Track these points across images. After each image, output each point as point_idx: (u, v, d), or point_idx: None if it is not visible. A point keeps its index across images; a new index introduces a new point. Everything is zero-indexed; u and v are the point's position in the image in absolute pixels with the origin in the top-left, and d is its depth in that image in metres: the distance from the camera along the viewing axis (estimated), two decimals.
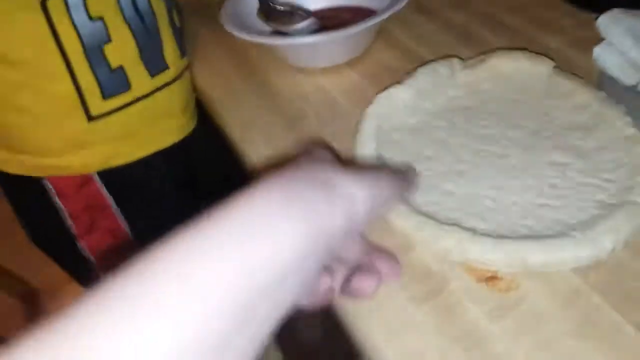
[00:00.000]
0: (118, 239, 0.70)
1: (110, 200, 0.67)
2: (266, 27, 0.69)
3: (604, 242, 0.40)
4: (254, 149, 0.58)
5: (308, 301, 0.34)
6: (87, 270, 0.72)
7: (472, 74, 0.60)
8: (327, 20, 0.69)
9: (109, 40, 0.58)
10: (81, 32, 0.56)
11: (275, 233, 0.26)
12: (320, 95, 0.63)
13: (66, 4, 0.54)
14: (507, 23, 0.69)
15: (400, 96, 0.57)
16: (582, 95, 0.54)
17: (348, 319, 0.40)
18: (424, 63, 0.60)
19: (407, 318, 0.39)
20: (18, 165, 0.64)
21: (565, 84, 0.55)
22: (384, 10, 0.63)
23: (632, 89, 0.51)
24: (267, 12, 0.67)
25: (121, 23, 0.59)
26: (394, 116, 0.56)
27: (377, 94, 0.57)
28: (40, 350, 0.21)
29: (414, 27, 0.72)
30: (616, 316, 0.37)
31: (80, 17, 0.55)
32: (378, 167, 0.49)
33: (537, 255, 0.40)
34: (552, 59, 0.59)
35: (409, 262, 0.42)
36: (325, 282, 0.34)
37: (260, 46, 0.71)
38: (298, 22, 0.65)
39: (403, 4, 0.64)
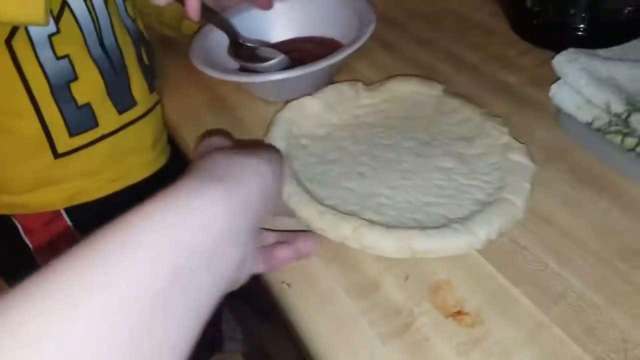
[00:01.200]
0: None
1: (77, 236, 0.66)
2: (235, 63, 0.71)
3: (478, 232, 0.46)
4: None
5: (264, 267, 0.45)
6: None
7: (373, 96, 0.65)
8: (292, 52, 0.71)
9: (75, 78, 0.58)
10: (47, 70, 0.55)
11: (202, 207, 0.30)
12: None
13: (32, 42, 0.54)
14: (467, 60, 0.72)
15: (310, 105, 0.62)
16: (466, 111, 0.61)
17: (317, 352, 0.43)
18: None
19: (377, 355, 0.41)
20: None
21: (452, 102, 0.62)
22: (348, 43, 0.65)
23: (588, 125, 0.54)
24: (237, 49, 0.68)
25: (88, 61, 0.59)
26: (303, 123, 0.61)
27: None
28: None
29: (377, 61, 0.75)
30: (577, 349, 0.40)
31: (46, 55, 0.55)
32: (266, 147, 0.53)
33: (422, 242, 0.45)
34: (510, 94, 0.64)
35: (376, 299, 0.45)
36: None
37: (230, 84, 0.72)
38: (268, 59, 0.67)
39: (367, 36, 0.66)
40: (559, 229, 0.48)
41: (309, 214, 0.49)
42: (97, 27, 0.59)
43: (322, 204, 0.49)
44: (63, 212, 0.64)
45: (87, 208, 0.65)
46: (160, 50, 0.79)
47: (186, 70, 0.74)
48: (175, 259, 0.27)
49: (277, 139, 0.57)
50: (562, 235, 0.48)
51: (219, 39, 0.71)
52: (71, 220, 0.65)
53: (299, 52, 0.73)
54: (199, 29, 0.74)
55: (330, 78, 0.72)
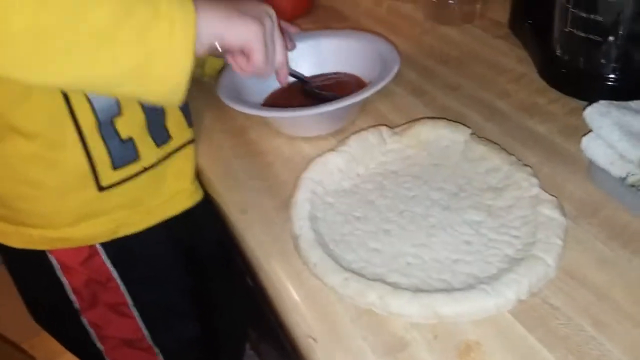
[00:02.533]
0: (119, 314, 0.70)
1: (114, 273, 0.67)
2: (257, 99, 0.73)
3: (507, 293, 0.45)
4: (252, 231, 0.59)
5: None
6: (87, 345, 0.72)
7: (399, 141, 0.65)
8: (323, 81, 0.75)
9: (120, 113, 0.60)
10: (95, 105, 0.58)
11: None
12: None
13: None
14: (496, 107, 0.72)
15: (334, 161, 0.62)
16: (494, 159, 0.60)
17: None
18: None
19: None
20: (22, 238, 0.64)
21: (480, 149, 0.62)
22: (372, 82, 0.67)
23: (621, 180, 0.53)
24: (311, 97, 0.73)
25: None
26: (328, 181, 0.61)
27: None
28: None
29: (402, 105, 0.75)
30: None
31: None
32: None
33: (448, 308, 0.44)
34: (540, 144, 0.63)
35: (404, 359, 0.44)
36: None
37: (255, 119, 0.74)
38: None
39: (390, 77, 0.67)
40: (593, 290, 0.47)
41: (333, 282, 0.49)
42: None
43: (347, 268, 0.49)
44: (101, 249, 0.66)
45: (123, 244, 0.66)
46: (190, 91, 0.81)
47: (212, 109, 0.76)
48: None
49: (302, 202, 0.57)
50: (597, 297, 0.46)
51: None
52: (109, 258, 0.66)
53: (329, 80, 0.75)
54: (223, 67, 0.77)
55: (354, 116, 0.73)
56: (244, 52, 0.57)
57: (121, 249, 0.66)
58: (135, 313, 0.70)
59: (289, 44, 0.76)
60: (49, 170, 0.59)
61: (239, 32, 0.55)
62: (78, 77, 0.48)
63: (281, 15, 0.98)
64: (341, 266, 0.49)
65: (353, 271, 0.49)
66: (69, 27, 0.44)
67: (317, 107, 0.64)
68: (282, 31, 0.73)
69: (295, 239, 0.54)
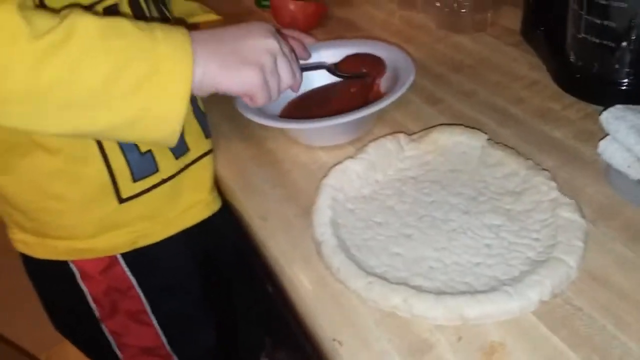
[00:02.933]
0: (139, 322, 0.71)
1: (133, 281, 0.68)
2: (274, 108, 0.74)
3: (530, 295, 0.45)
4: (273, 238, 0.60)
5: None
6: (107, 353, 0.73)
7: (416, 148, 0.67)
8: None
9: None
10: None
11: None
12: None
13: None
14: (511, 113, 0.73)
15: (353, 168, 0.63)
16: (511, 164, 0.61)
17: None
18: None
19: None
20: (46, 249, 0.66)
21: (497, 154, 0.63)
22: (388, 93, 0.69)
23: (638, 183, 0.53)
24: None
25: None
26: (347, 187, 0.62)
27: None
28: None
29: (419, 113, 0.76)
30: None
31: None
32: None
33: (472, 310, 0.45)
34: (556, 148, 0.64)
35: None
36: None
37: (272, 129, 0.75)
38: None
39: (406, 86, 0.68)
40: (614, 290, 0.47)
41: (357, 286, 0.49)
42: None
43: (370, 273, 0.50)
44: (120, 258, 0.67)
45: (143, 253, 0.67)
46: (209, 103, 0.82)
47: (232, 122, 0.78)
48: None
49: (323, 208, 0.58)
50: (618, 297, 0.47)
51: None
52: (128, 266, 0.68)
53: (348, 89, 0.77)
54: None
55: (370, 125, 0.74)
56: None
57: (140, 258, 0.68)
58: (154, 321, 0.72)
59: (304, 53, 0.77)
60: (72, 184, 0.61)
61: (236, 82, 0.56)
62: (77, 129, 0.50)
63: (296, 26, 1.00)
64: (364, 271, 0.50)
65: (376, 275, 0.50)
66: (66, 85, 0.46)
67: (334, 118, 0.65)
68: (295, 43, 0.75)
69: (317, 244, 0.55)
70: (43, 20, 0.45)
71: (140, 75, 0.48)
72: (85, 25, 0.47)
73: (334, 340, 0.48)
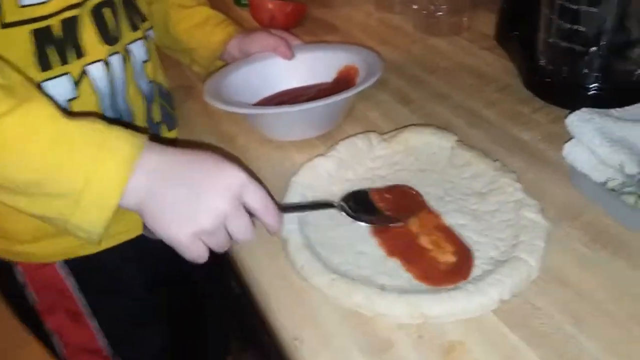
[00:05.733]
0: (77, 322, 0.70)
1: (67, 282, 0.67)
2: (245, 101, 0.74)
3: (491, 293, 0.46)
4: None
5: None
6: (54, 348, 0.72)
7: (387, 147, 0.67)
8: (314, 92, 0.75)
9: None
10: None
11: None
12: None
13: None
14: (482, 115, 0.73)
15: (323, 165, 0.63)
16: (479, 165, 0.61)
17: None
18: None
19: None
20: None
21: (465, 155, 0.63)
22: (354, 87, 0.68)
23: (602, 185, 0.54)
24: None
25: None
26: (317, 185, 0.62)
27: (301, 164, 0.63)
28: None
29: (392, 113, 0.76)
30: None
31: None
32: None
33: (434, 307, 0.45)
34: (524, 151, 0.64)
35: (389, 359, 0.45)
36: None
37: (243, 125, 0.75)
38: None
39: (372, 81, 0.68)
40: (574, 290, 0.48)
41: (320, 283, 0.49)
42: (112, 92, 0.62)
43: (335, 271, 0.50)
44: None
45: (83, 259, 0.66)
46: (181, 100, 0.83)
47: (202, 117, 0.77)
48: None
49: None
50: (577, 296, 0.47)
51: (235, 80, 0.75)
52: (64, 269, 0.67)
53: (320, 91, 0.76)
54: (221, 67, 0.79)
55: (338, 119, 0.74)
56: None
57: (78, 261, 0.66)
58: (93, 323, 0.70)
59: (288, 53, 0.77)
60: None
61: (161, 233, 0.47)
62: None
63: (275, 25, 1.00)
64: (328, 268, 0.50)
65: (340, 273, 0.50)
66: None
67: (298, 105, 0.65)
68: (281, 42, 0.75)
69: (283, 242, 0.55)
70: None
71: (68, 187, 0.44)
72: (37, 113, 0.44)
73: (294, 339, 0.48)
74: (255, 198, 0.48)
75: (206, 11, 0.83)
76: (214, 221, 0.46)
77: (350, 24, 1.07)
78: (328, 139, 0.71)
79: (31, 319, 0.70)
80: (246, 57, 0.80)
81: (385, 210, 0.57)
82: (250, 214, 0.49)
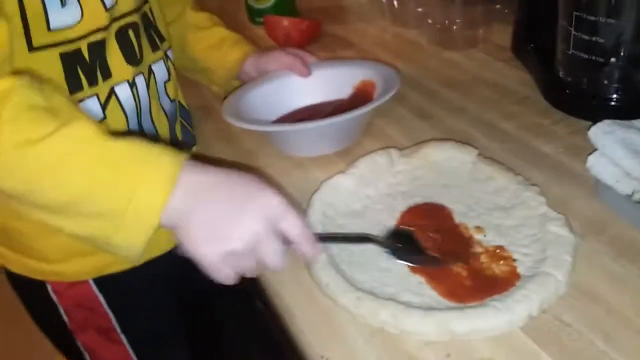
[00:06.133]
0: (109, 339, 0.70)
1: (100, 299, 0.68)
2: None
3: (518, 310, 0.45)
4: None
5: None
6: None
7: (408, 163, 0.67)
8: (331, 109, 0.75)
9: None
10: None
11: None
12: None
13: None
14: (502, 128, 0.73)
15: (344, 182, 0.63)
16: (501, 179, 0.61)
17: None
18: None
19: None
20: (20, 265, 0.67)
21: (487, 169, 0.63)
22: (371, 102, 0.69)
23: (628, 197, 0.54)
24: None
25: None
26: (338, 202, 0.62)
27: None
28: None
29: (410, 128, 0.77)
30: None
31: None
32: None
33: (461, 325, 0.45)
34: (546, 164, 0.64)
35: None
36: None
37: (263, 144, 0.75)
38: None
39: (389, 96, 0.68)
40: (603, 305, 0.47)
41: (346, 301, 0.49)
42: (138, 112, 0.63)
43: (359, 288, 0.50)
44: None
45: (113, 276, 0.67)
46: (200, 120, 0.84)
47: (223, 137, 0.77)
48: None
49: (314, 223, 0.58)
50: (607, 312, 0.47)
51: (253, 98, 0.76)
52: (96, 285, 0.67)
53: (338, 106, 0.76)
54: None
55: (357, 135, 0.74)
56: None
57: (108, 278, 0.67)
58: (124, 339, 0.71)
59: (304, 71, 0.78)
60: None
61: (192, 252, 0.47)
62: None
63: (290, 43, 1.01)
64: (353, 286, 0.50)
65: (365, 291, 0.50)
66: (40, 191, 0.45)
67: (315, 121, 0.66)
68: (296, 60, 0.76)
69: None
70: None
71: (110, 206, 0.45)
72: (80, 134, 0.46)
73: (322, 357, 0.48)
74: (293, 225, 0.47)
75: (222, 32, 0.84)
76: (246, 243, 0.45)
77: (365, 40, 1.08)
78: (347, 155, 0.72)
79: (63, 337, 0.71)
80: (263, 76, 0.81)
81: (430, 250, 0.55)
82: (285, 243, 0.48)
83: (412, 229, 0.57)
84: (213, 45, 0.83)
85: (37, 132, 0.44)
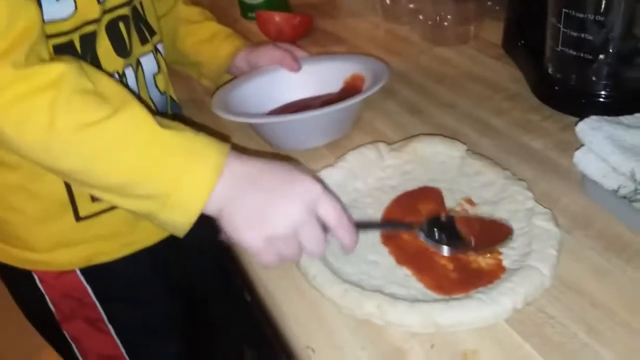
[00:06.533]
0: (96, 329, 0.70)
1: (88, 289, 0.67)
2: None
3: (503, 302, 0.45)
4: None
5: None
6: (72, 356, 0.72)
7: (397, 157, 0.67)
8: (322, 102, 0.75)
9: None
10: None
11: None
12: None
13: None
14: (491, 124, 0.73)
15: (333, 175, 0.63)
16: (489, 174, 0.61)
17: None
18: None
19: None
20: (6, 255, 0.66)
21: (475, 164, 0.63)
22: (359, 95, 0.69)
23: (614, 192, 0.54)
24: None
25: None
26: None
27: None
28: None
29: (400, 122, 0.77)
30: None
31: None
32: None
33: (446, 316, 0.45)
34: (535, 159, 0.64)
35: None
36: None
37: (253, 138, 0.75)
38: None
39: (377, 88, 0.69)
40: (587, 298, 0.48)
41: (332, 293, 0.49)
42: None
43: (346, 281, 0.50)
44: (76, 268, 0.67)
45: (101, 267, 0.67)
46: (190, 113, 0.84)
47: (211, 131, 0.78)
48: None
49: None
50: (591, 305, 0.47)
51: (243, 92, 0.76)
52: (83, 276, 0.67)
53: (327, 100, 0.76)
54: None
55: (345, 128, 0.74)
56: None
57: (96, 268, 0.67)
58: (112, 330, 0.71)
59: (294, 65, 0.78)
60: (30, 199, 0.61)
61: (237, 236, 0.49)
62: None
63: (282, 38, 1.01)
64: (340, 278, 0.50)
65: (352, 283, 0.50)
66: (94, 171, 0.48)
67: (303, 112, 0.66)
68: (286, 55, 0.76)
69: None
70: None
71: (157, 190, 0.47)
72: (132, 119, 0.48)
73: (307, 347, 0.48)
74: (330, 211, 0.48)
75: (214, 26, 0.84)
76: (286, 228, 0.47)
77: (356, 35, 1.08)
78: (337, 149, 0.72)
79: (49, 327, 0.70)
80: (253, 70, 0.81)
81: (468, 236, 0.54)
82: (325, 229, 0.49)
83: (452, 215, 0.57)
84: (204, 39, 0.82)
85: (93, 115, 0.46)
